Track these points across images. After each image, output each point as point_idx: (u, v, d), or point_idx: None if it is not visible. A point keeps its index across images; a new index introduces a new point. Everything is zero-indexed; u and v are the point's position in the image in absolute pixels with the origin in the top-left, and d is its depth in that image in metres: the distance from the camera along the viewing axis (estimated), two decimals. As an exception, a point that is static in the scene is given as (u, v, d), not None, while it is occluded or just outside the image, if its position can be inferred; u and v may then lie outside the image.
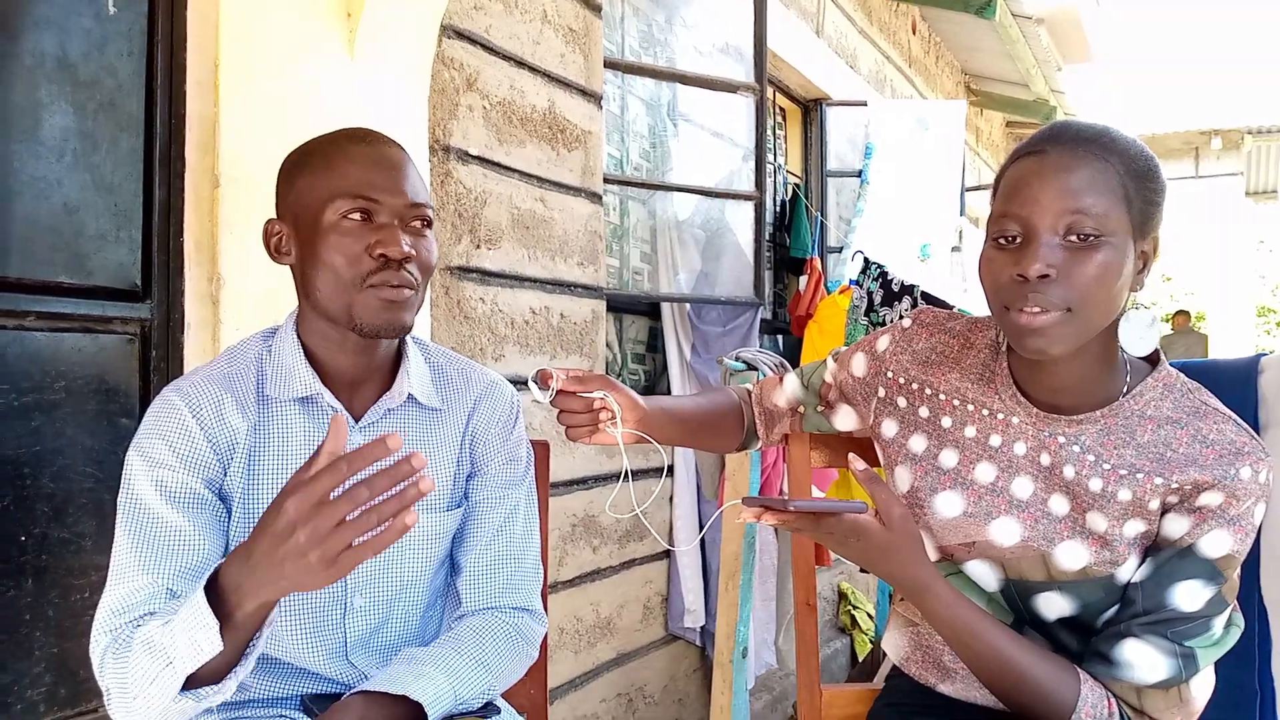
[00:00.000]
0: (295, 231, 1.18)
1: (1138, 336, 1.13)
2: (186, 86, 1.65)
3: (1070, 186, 1.08)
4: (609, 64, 2.93)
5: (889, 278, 3.02)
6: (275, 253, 1.21)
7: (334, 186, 1.14)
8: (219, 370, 1.19)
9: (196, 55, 1.66)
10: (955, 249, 4.97)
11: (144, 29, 1.63)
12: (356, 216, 1.14)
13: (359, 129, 1.22)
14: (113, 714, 1.04)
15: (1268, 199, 15.11)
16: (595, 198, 2.72)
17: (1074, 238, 1.08)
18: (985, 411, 1.24)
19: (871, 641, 4.20)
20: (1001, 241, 1.12)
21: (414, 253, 1.15)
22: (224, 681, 0.99)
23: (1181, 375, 1.20)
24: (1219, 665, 1.17)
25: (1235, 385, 1.68)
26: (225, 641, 0.94)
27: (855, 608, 4.44)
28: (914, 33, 5.99)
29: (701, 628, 3.21)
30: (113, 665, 1.02)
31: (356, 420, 1.22)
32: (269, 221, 1.21)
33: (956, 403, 1.27)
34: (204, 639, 0.93)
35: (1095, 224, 1.07)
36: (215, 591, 0.94)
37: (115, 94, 1.58)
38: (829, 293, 4.09)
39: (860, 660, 4.17)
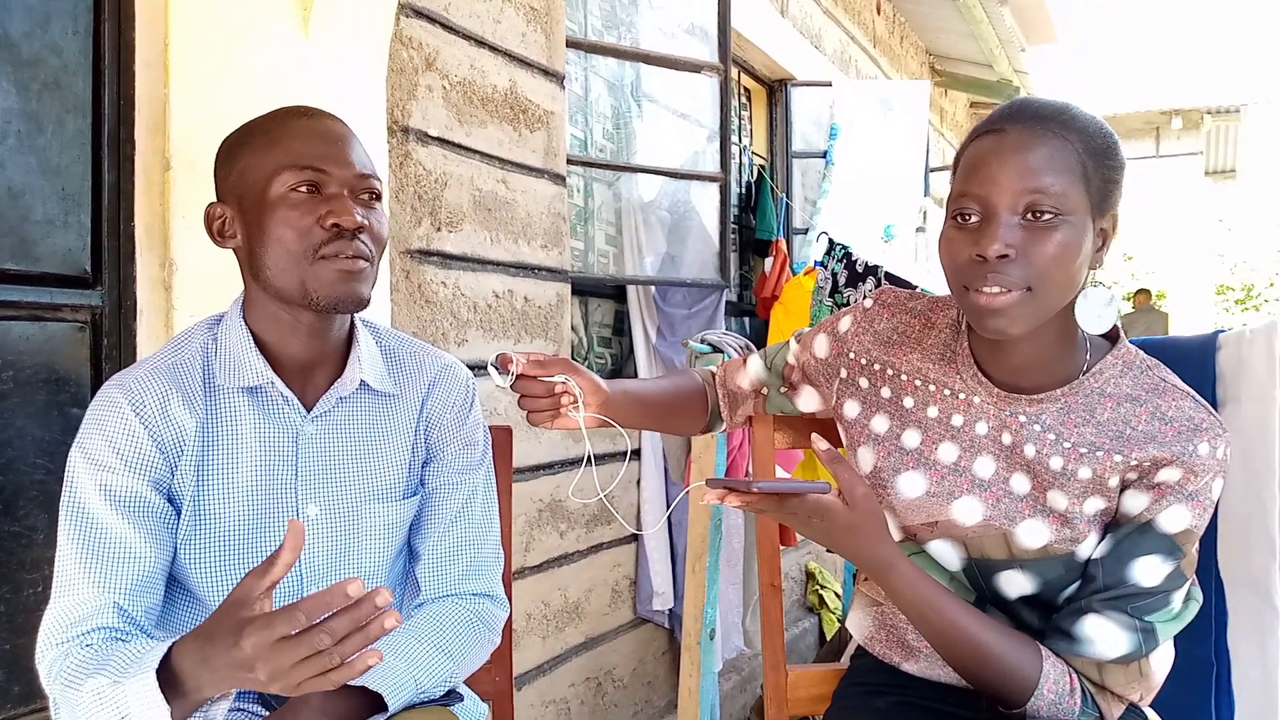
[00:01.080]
0: (240, 212, 1.15)
1: (1095, 314, 1.14)
2: (135, 66, 1.61)
3: (1029, 165, 1.07)
4: (571, 43, 2.90)
5: (854, 259, 3.02)
6: (219, 237, 1.18)
7: (279, 160, 1.12)
8: (164, 361, 1.16)
9: (145, 34, 1.62)
10: (920, 230, 4.99)
11: (90, 6, 1.58)
12: (304, 189, 1.12)
13: (299, 105, 1.19)
14: None
15: (1226, 178, 15.33)
16: (559, 179, 2.70)
17: (1031, 216, 1.07)
18: (947, 391, 1.24)
19: (839, 620, 4.23)
20: (960, 220, 1.12)
21: (367, 223, 1.13)
22: None
23: (1141, 352, 1.21)
24: (1176, 638, 1.18)
25: (1193, 362, 1.70)
26: (177, 715, 0.95)
27: (823, 587, 4.47)
28: (879, 13, 5.98)
29: (670, 610, 3.21)
30: (61, 691, 1.01)
31: (308, 409, 1.20)
32: (210, 205, 1.18)
33: (918, 383, 1.27)
34: (155, 717, 0.94)
35: (1054, 203, 1.07)
36: (169, 668, 0.94)
37: (60, 74, 1.54)
38: (794, 274, 4.09)
39: (828, 639, 4.20)
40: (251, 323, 1.18)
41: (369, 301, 1.17)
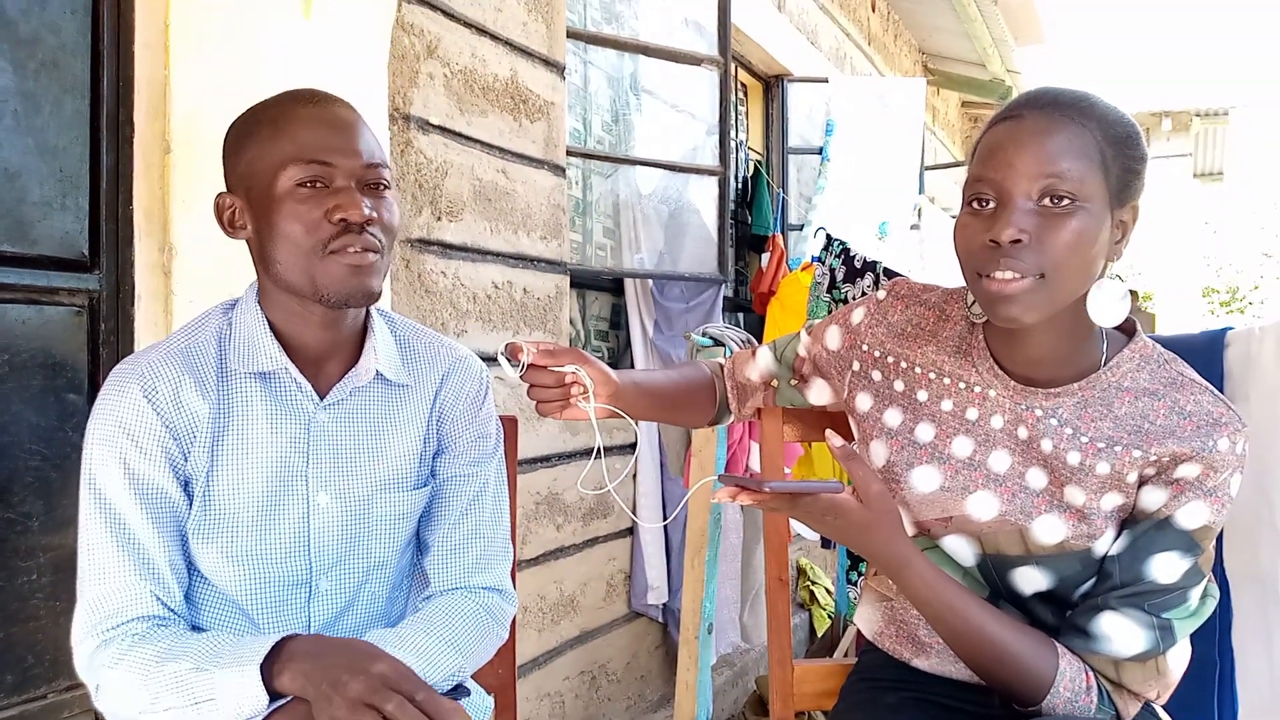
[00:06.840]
0: (249, 204, 1.12)
1: (1108, 307, 1.11)
2: (135, 48, 1.58)
3: (1046, 150, 1.06)
4: (571, 34, 2.87)
5: (851, 254, 3.01)
6: (229, 227, 1.15)
7: (285, 153, 1.09)
8: (177, 345, 1.14)
9: (145, 15, 1.58)
10: (914, 227, 4.98)
11: (88, -14, 1.55)
12: (311, 183, 1.09)
13: (306, 90, 1.15)
14: (101, 710, 1.04)
15: (1214, 181, 15.39)
16: (558, 170, 2.68)
17: (1048, 202, 1.06)
18: (962, 385, 1.23)
19: (830, 617, 4.22)
20: (975, 206, 1.11)
21: (375, 215, 1.10)
22: None
23: (1158, 346, 1.20)
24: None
25: (1201, 359, 1.68)
26: None
27: (814, 583, 4.46)
28: (874, 10, 5.97)
29: (664, 605, 3.20)
30: (113, 675, 1.02)
31: (321, 398, 1.18)
32: (220, 195, 1.15)
33: (933, 376, 1.26)
34: (249, 708, 0.99)
35: (1070, 188, 1.06)
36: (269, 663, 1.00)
37: (58, 53, 1.51)
38: (791, 270, 4.08)
39: (820, 636, 4.19)
40: (267, 310, 1.16)
41: (380, 294, 1.15)
